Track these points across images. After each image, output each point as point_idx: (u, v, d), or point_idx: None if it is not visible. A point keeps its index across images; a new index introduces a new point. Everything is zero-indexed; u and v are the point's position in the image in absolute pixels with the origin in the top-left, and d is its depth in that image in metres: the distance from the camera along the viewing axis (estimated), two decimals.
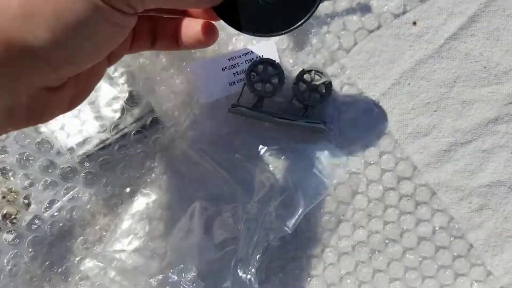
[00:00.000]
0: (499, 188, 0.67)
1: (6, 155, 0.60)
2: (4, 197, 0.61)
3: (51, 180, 0.61)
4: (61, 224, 0.63)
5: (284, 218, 0.62)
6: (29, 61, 0.37)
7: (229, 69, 0.65)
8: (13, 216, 0.60)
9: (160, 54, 0.65)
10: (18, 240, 0.60)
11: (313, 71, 0.65)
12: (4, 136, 0.61)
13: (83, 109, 0.61)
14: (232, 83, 0.65)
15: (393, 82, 0.68)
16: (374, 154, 0.66)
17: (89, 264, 0.62)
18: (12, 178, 0.62)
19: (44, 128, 0.61)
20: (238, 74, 0.65)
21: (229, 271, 0.59)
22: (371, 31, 0.68)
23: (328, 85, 0.65)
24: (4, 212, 0.61)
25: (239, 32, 0.46)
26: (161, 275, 0.59)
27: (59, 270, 0.63)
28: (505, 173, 0.67)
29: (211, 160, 0.64)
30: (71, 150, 0.60)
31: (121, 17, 0.39)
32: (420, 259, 0.65)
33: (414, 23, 0.68)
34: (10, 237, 0.61)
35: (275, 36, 0.49)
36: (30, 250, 0.61)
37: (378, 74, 0.68)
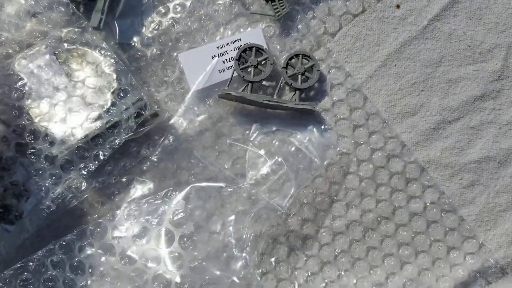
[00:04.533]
0: (488, 163, 0.68)
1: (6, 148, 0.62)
2: (5, 190, 0.62)
3: (49, 171, 0.63)
4: (60, 214, 0.64)
5: (277, 199, 0.64)
6: None
7: (218, 57, 0.67)
8: (14, 208, 0.62)
9: (151, 44, 0.67)
10: (19, 230, 0.62)
11: (300, 55, 0.67)
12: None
13: (74, 99, 0.62)
14: (222, 70, 0.67)
15: (379, 64, 0.69)
16: (364, 135, 0.68)
17: (89, 252, 0.63)
18: (14, 175, 0.63)
19: (38, 120, 0.62)
20: (227, 62, 0.67)
21: (225, 251, 0.61)
22: (355, 16, 0.69)
23: (316, 68, 0.67)
24: (6, 203, 0.62)
25: None
26: None
27: (60, 258, 0.64)
28: (494, 149, 0.68)
29: (201, 147, 0.66)
30: (65, 140, 0.62)
31: None
32: (412, 234, 0.66)
33: (398, 6, 0.70)
34: (11, 228, 0.62)
35: None
36: (30, 239, 0.62)
37: (364, 57, 0.69)
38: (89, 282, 0.62)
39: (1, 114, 0.62)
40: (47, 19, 0.63)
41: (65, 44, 0.63)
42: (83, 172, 0.62)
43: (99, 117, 0.62)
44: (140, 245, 0.63)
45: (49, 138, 0.62)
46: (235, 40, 0.67)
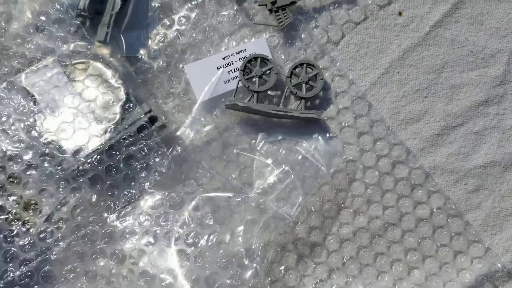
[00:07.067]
0: (493, 168, 0.69)
1: (14, 165, 0.63)
2: (18, 203, 0.63)
3: (59, 184, 0.63)
4: (72, 226, 0.64)
5: (285, 208, 0.64)
6: None
7: (223, 67, 0.67)
8: (28, 222, 0.62)
9: (157, 57, 0.68)
10: (31, 244, 0.62)
11: (304, 64, 0.67)
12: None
13: (82, 113, 0.63)
14: (227, 81, 0.67)
15: (382, 71, 0.70)
16: (369, 142, 0.68)
17: (101, 263, 0.64)
18: (25, 189, 0.64)
19: (47, 135, 0.63)
20: (232, 72, 0.68)
21: (235, 260, 0.61)
22: (358, 24, 0.70)
23: (320, 77, 0.67)
24: (20, 218, 0.63)
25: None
26: None
27: (72, 269, 0.65)
28: (498, 153, 0.69)
29: (208, 157, 0.67)
30: (75, 154, 0.62)
31: None
32: (419, 240, 0.67)
33: (400, 13, 0.71)
34: (25, 241, 0.63)
35: None
36: (44, 250, 0.63)
37: (368, 65, 0.70)
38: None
39: (10, 128, 0.63)
40: (54, 34, 0.64)
41: (72, 58, 0.64)
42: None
43: (107, 131, 0.62)
44: (150, 255, 0.63)
45: (58, 153, 0.62)
46: (240, 51, 0.68)
